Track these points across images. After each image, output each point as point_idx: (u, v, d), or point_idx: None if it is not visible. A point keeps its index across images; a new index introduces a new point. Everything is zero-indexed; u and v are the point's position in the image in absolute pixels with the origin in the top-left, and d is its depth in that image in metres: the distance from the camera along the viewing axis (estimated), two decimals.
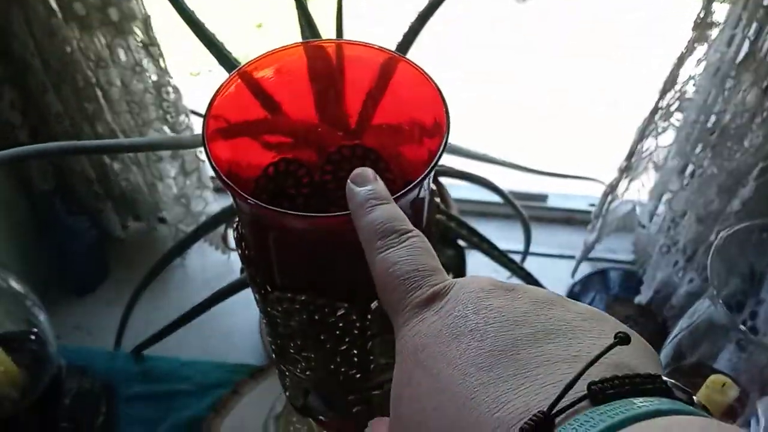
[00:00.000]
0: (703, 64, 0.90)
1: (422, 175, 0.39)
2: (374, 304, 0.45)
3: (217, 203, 1.16)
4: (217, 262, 1.26)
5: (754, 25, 0.83)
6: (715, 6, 0.82)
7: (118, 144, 0.85)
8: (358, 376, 0.52)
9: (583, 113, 1.75)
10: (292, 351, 0.51)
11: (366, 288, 0.46)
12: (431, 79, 0.43)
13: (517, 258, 1.20)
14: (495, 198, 1.08)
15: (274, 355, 0.58)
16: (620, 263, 1.29)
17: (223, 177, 0.39)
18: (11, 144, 0.68)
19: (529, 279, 0.99)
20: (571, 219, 1.35)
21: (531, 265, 1.20)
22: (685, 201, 1.02)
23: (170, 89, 0.94)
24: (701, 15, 0.84)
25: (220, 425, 0.81)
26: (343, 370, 0.51)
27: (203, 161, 1.07)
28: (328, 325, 0.46)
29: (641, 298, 1.17)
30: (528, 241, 1.10)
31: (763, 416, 0.74)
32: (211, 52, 0.76)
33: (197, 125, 1.09)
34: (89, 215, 1.08)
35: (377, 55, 0.47)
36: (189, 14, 0.75)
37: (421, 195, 0.43)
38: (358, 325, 0.46)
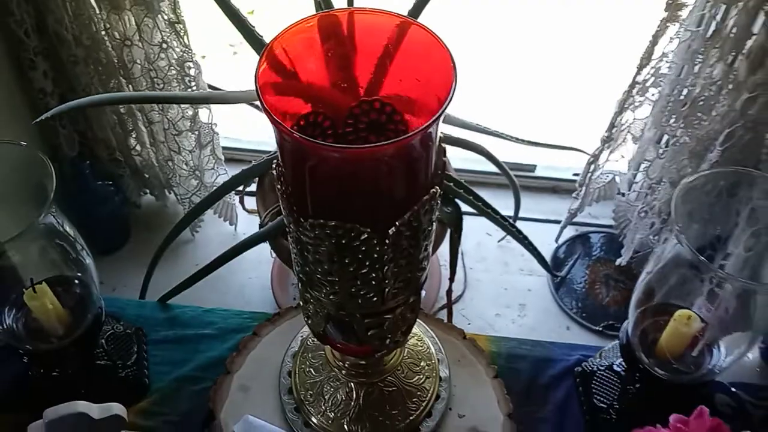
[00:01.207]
0: (676, 41, 0.98)
1: (435, 116, 0.47)
2: (392, 230, 0.54)
3: (226, 176, 1.24)
4: (226, 233, 1.34)
5: (721, 6, 0.91)
6: None
7: (174, 96, 0.91)
8: (374, 299, 0.60)
9: (568, 87, 1.82)
10: (319, 276, 0.59)
11: (386, 216, 0.54)
12: (439, 38, 0.51)
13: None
14: (486, 168, 1.16)
15: (300, 285, 0.66)
16: (601, 228, 1.38)
17: (273, 116, 0.47)
18: (43, 109, 0.75)
19: (520, 236, 1.07)
20: (557, 188, 1.44)
21: (521, 224, 1.29)
22: (660, 168, 1.11)
23: (192, 65, 1.01)
24: None
25: (242, 363, 0.89)
26: (362, 293, 0.59)
27: (217, 133, 1.14)
28: (352, 249, 0.54)
29: (621, 260, 1.25)
30: (518, 204, 1.19)
31: (725, 349, 0.83)
32: (238, 29, 0.83)
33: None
34: (113, 182, 1.16)
35: (390, 21, 0.55)
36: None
37: (433, 136, 0.51)
38: (377, 249, 0.54)
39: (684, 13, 0.94)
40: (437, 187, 0.55)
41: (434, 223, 0.59)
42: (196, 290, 1.07)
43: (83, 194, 1.12)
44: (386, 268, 0.57)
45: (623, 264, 1.26)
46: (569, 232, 1.36)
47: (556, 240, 1.32)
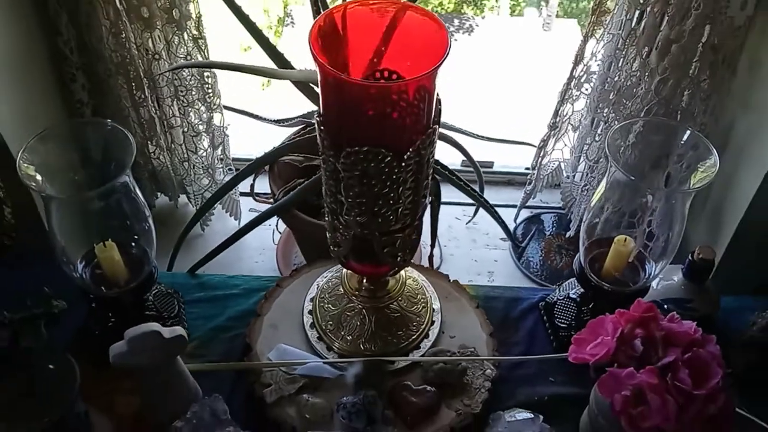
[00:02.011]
0: (602, 43, 1.20)
1: (438, 62, 0.66)
2: (407, 154, 0.72)
3: (234, 173, 1.40)
4: (231, 228, 1.50)
5: (635, 11, 1.13)
6: None
7: (242, 66, 1.06)
8: (391, 218, 0.78)
9: (516, 91, 2.04)
10: (350, 200, 0.76)
11: (402, 144, 0.72)
12: (434, 15, 0.71)
13: (471, 209, 1.50)
14: (451, 162, 1.36)
15: (330, 218, 0.83)
16: (551, 210, 1.58)
17: (319, 58, 0.65)
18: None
19: (486, 204, 1.27)
20: (512, 180, 1.64)
21: (483, 212, 1.49)
22: (597, 149, 1.32)
23: (209, 74, 1.19)
24: (597, 3, 1.14)
25: (269, 308, 1.04)
26: (383, 211, 0.77)
27: (227, 135, 1.32)
28: (378, 170, 0.72)
29: (570, 232, 1.46)
30: (481, 186, 1.37)
31: (662, 275, 1.02)
32: (257, 41, 1.02)
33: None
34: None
35: (393, 6, 0.74)
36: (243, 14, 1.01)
37: (434, 84, 0.70)
38: (396, 170, 0.72)
39: (607, 19, 1.16)
40: (436, 126, 0.74)
41: (433, 157, 0.78)
42: (214, 267, 1.23)
43: None
44: (401, 189, 0.75)
45: (572, 235, 1.46)
46: (524, 214, 1.56)
47: (515, 220, 1.52)
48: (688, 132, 0.86)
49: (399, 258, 0.85)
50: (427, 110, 0.72)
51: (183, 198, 1.45)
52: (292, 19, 3.59)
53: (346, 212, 0.78)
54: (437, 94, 0.73)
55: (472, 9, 4.45)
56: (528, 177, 1.46)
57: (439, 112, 0.75)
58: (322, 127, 0.73)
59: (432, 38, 0.72)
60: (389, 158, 0.71)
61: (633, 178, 0.83)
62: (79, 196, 0.86)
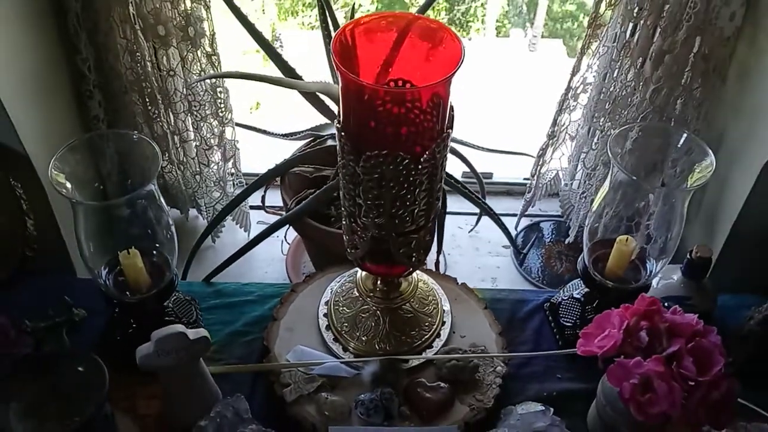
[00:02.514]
0: (598, 54, 1.24)
1: (453, 71, 0.70)
2: (423, 157, 0.76)
3: (243, 186, 1.44)
4: (241, 240, 1.53)
5: (629, 24, 1.18)
6: (602, 10, 1.18)
7: (279, 79, 1.12)
8: (407, 218, 0.82)
9: (515, 103, 2.08)
10: (369, 203, 0.80)
11: (419, 148, 0.76)
12: (446, 26, 0.75)
13: (473, 219, 1.54)
14: (453, 172, 1.39)
15: (347, 221, 0.87)
16: (551, 218, 1.62)
17: (344, 69, 0.69)
18: None
19: (490, 211, 1.31)
20: (510, 191, 1.69)
21: (484, 221, 1.53)
22: (594, 157, 1.36)
23: (222, 89, 1.23)
24: (593, 17, 1.19)
25: (285, 312, 1.07)
26: (400, 213, 0.80)
27: (238, 149, 1.35)
28: (396, 173, 0.75)
29: (570, 238, 1.50)
30: (483, 194, 1.41)
31: (662, 275, 1.06)
32: (272, 60, 1.07)
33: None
34: None
35: (406, 19, 0.78)
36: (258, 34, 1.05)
37: (447, 91, 0.74)
38: (413, 173, 0.76)
39: (602, 32, 1.20)
40: (450, 131, 0.78)
41: (446, 161, 0.82)
42: (227, 276, 1.25)
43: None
44: (416, 191, 0.78)
45: (571, 241, 1.50)
46: (524, 222, 1.60)
47: (516, 227, 1.56)
48: (685, 135, 0.91)
49: (414, 258, 0.88)
50: (441, 116, 0.76)
51: (192, 211, 1.49)
52: (280, 42, 3.66)
53: (365, 214, 0.82)
54: (450, 102, 0.77)
55: (459, 30, 4.53)
56: (527, 185, 1.50)
57: (452, 118, 0.79)
58: (342, 134, 0.77)
59: (445, 47, 0.76)
60: (407, 161, 0.75)
61: (635, 178, 0.87)
62: (108, 203, 0.89)
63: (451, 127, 0.78)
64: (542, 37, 4.11)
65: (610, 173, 0.92)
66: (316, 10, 4.11)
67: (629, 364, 0.80)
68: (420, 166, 0.76)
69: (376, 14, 0.76)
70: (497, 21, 4.58)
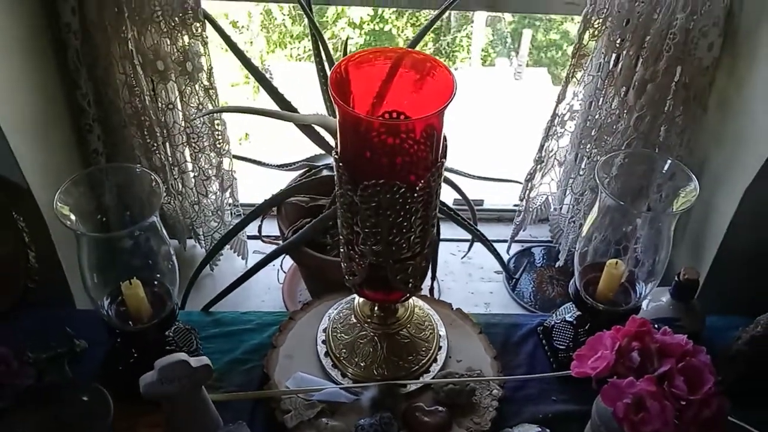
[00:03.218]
0: (583, 83, 1.28)
1: (445, 103, 0.73)
2: (419, 185, 0.78)
3: (241, 216, 1.46)
4: (238, 268, 1.55)
5: (612, 54, 1.22)
6: (586, 41, 1.21)
7: (277, 113, 1.14)
8: (403, 245, 0.84)
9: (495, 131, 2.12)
10: (366, 230, 0.82)
11: (414, 177, 0.79)
12: (437, 60, 0.78)
13: (466, 245, 1.57)
14: (444, 200, 1.42)
15: (345, 249, 0.89)
16: (541, 243, 1.65)
17: (341, 103, 0.72)
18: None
19: (482, 238, 1.33)
20: (501, 217, 1.72)
21: (476, 247, 1.55)
22: (582, 183, 1.39)
23: (219, 122, 1.25)
24: (576, 48, 1.23)
25: (284, 339, 1.08)
26: (397, 240, 0.82)
27: (235, 179, 1.38)
28: (393, 201, 0.77)
29: (559, 262, 1.52)
30: (475, 221, 1.44)
31: (651, 297, 1.09)
32: (267, 93, 1.09)
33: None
34: None
35: (397, 54, 0.81)
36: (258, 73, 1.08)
37: (441, 122, 0.77)
38: (409, 201, 0.78)
39: (586, 61, 1.24)
40: (443, 160, 0.81)
41: (440, 189, 0.85)
42: (224, 305, 1.27)
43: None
44: (413, 218, 0.81)
45: (561, 265, 1.52)
46: (516, 247, 1.63)
47: (507, 251, 1.58)
48: (669, 161, 0.94)
49: (411, 284, 0.90)
50: (435, 146, 0.78)
51: (190, 240, 1.50)
52: (270, 73, 3.71)
53: (362, 242, 0.84)
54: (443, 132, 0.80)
55: (445, 60, 4.60)
56: (517, 210, 1.53)
57: (445, 147, 0.81)
58: (340, 164, 0.79)
59: (436, 79, 0.79)
60: (403, 190, 0.77)
61: (622, 203, 0.90)
62: (112, 235, 0.91)
63: (445, 157, 0.81)
64: (527, 65, 4.18)
65: (599, 199, 0.95)
66: (304, 42, 4.17)
67: (622, 384, 0.82)
68: (416, 195, 0.78)
69: (370, 50, 0.79)
70: (483, 50, 4.66)
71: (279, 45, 4.34)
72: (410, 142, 0.77)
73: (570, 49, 1.26)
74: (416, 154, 0.78)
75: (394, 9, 3.96)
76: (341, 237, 0.88)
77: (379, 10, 3.93)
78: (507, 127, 2.71)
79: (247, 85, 4.04)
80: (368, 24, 4.04)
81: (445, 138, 0.81)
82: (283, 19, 4.29)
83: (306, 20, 1.13)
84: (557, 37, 4.62)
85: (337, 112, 0.76)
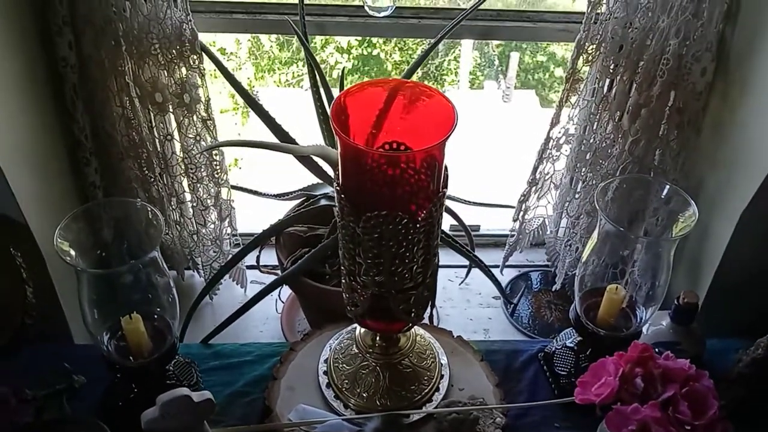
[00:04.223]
0: (578, 107, 1.29)
1: (447, 134, 0.74)
2: (421, 215, 0.79)
3: (240, 245, 1.45)
4: (237, 297, 1.54)
5: (606, 80, 1.24)
6: (580, 66, 1.23)
7: (277, 145, 1.17)
8: (406, 275, 0.84)
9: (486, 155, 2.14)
10: (369, 262, 0.82)
11: (416, 208, 0.80)
12: (437, 90, 0.79)
13: (463, 271, 1.57)
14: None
15: (347, 279, 0.89)
16: (538, 267, 1.66)
17: (344, 136, 0.72)
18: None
19: (481, 264, 1.34)
20: (498, 242, 1.72)
21: (473, 273, 1.56)
22: (577, 206, 1.40)
23: (217, 152, 1.26)
24: (569, 73, 1.24)
25: (285, 371, 1.08)
26: (399, 270, 0.83)
27: (233, 208, 1.38)
28: (395, 232, 0.78)
29: (557, 285, 1.53)
30: (472, 247, 1.44)
31: (651, 322, 1.09)
32: (264, 122, 1.10)
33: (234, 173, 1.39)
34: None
35: (396, 85, 0.82)
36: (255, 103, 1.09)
37: (442, 153, 0.78)
38: (411, 231, 0.79)
39: (580, 86, 1.26)
40: (445, 190, 0.82)
41: (441, 218, 0.85)
42: (223, 338, 1.26)
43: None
44: (415, 248, 0.81)
45: (558, 289, 1.53)
46: (513, 273, 1.63)
47: (501, 272, 1.58)
48: (667, 187, 0.95)
49: (413, 314, 0.91)
50: (436, 176, 0.79)
51: (188, 271, 1.50)
52: (259, 99, 3.73)
53: (364, 273, 0.84)
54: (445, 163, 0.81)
55: (434, 84, 4.64)
56: (511, 231, 1.53)
57: (446, 177, 0.82)
58: (342, 195, 0.80)
59: (436, 109, 0.80)
60: (405, 220, 0.78)
61: (622, 229, 0.91)
62: (112, 270, 0.91)
63: (446, 186, 0.82)
64: (515, 87, 4.22)
65: (598, 225, 0.96)
66: (292, 68, 4.19)
67: (627, 410, 0.83)
68: (418, 225, 0.79)
69: (368, 81, 0.80)
70: (471, 74, 4.70)
71: (268, 71, 4.37)
72: (411, 172, 0.78)
73: (558, 71, 1.27)
74: (416, 184, 0.79)
75: None
76: (343, 268, 0.89)
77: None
78: (498, 149, 2.73)
79: (236, 111, 4.07)
80: (356, 48, 4.08)
81: (446, 168, 0.82)
82: (271, 46, 4.33)
83: (296, 45, 1.14)
84: (544, 59, 4.68)
85: (338, 144, 0.77)
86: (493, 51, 4.74)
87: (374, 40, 4.09)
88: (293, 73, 4.36)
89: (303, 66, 4.10)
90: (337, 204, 0.82)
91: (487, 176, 2.23)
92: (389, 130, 0.84)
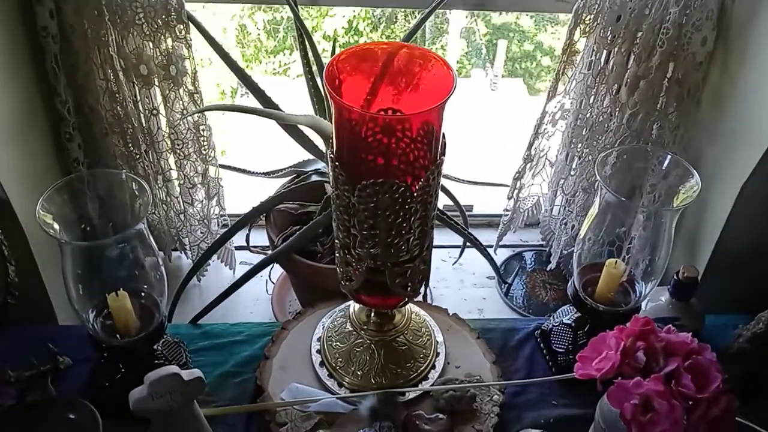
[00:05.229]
0: (574, 81, 1.27)
1: (446, 97, 0.71)
2: (419, 184, 0.77)
3: (228, 225, 1.42)
4: (225, 278, 1.52)
5: (603, 51, 1.22)
6: (576, 38, 1.21)
7: (270, 112, 1.13)
8: (402, 247, 0.82)
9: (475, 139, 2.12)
10: (364, 233, 0.80)
11: (413, 176, 0.77)
12: (436, 54, 0.77)
13: (456, 251, 1.55)
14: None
15: (341, 253, 0.87)
16: (532, 247, 1.64)
17: (334, 95, 0.70)
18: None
19: (476, 242, 1.32)
20: (491, 222, 1.71)
21: (467, 253, 1.54)
22: (573, 183, 1.39)
23: (205, 127, 1.23)
24: (566, 45, 1.22)
25: (277, 350, 1.06)
26: (395, 242, 0.81)
27: (222, 186, 1.35)
28: (392, 201, 0.76)
29: (552, 265, 1.51)
30: (466, 225, 1.42)
31: (649, 297, 1.08)
32: (254, 95, 1.07)
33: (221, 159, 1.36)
34: None
35: (395, 48, 0.79)
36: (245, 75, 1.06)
37: (440, 119, 0.75)
38: (408, 200, 0.77)
39: (577, 59, 1.24)
40: (443, 158, 0.79)
41: (439, 188, 0.83)
42: (213, 317, 1.24)
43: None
44: (412, 219, 0.79)
45: (553, 268, 1.52)
46: (506, 253, 1.62)
47: (495, 251, 1.56)
48: (669, 157, 0.93)
49: (409, 288, 0.88)
50: (434, 143, 0.77)
51: (175, 252, 1.47)
52: (244, 89, 3.71)
53: (360, 245, 0.82)
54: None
55: None
56: (505, 208, 1.51)
57: (444, 145, 0.80)
58: (336, 164, 0.77)
59: (434, 74, 0.77)
60: (402, 189, 0.75)
61: (624, 199, 0.89)
62: (98, 243, 0.88)
63: (444, 154, 0.79)
64: (502, 76, 4.21)
65: (598, 196, 0.94)
66: (279, 57, 4.15)
67: (629, 384, 0.81)
68: (415, 194, 0.77)
69: (363, 44, 0.77)
70: (458, 62, 4.68)
71: (254, 60, 4.32)
72: (407, 141, 0.76)
73: (545, 60, 1.25)
74: (413, 152, 0.77)
75: (369, 21, 3.98)
76: (337, 241, 0.86)
77: (354, 23, 3.94)
78: (486, 136, 2.72)
79: (222, 97, 4.02)
80: (343, 37, 4.05)
81: (444, 135, 0.79)
82: (258, 34, 4.28)
83: (282, 33, 1.12)
84: (531, 48, 4.66)
85: (332, 110, 0.74)
86: (481, 39, 4.72)
87: (360, 27, 4.06)
88: (279, 62, 4.31)
89: (290, 54, 4.06)
90: (331, 173, 0.79)
91: (477, 162, 2.21)
92: (385, 97, 0.81)
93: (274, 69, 4.31)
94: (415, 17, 1.37)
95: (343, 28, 4.09)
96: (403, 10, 3.74)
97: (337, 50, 1.17)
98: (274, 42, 4.29)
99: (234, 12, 3.62)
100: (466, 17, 4.21)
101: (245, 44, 4.36)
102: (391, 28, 4.18)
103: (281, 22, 4.11)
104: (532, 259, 1.63)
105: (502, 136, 2.47)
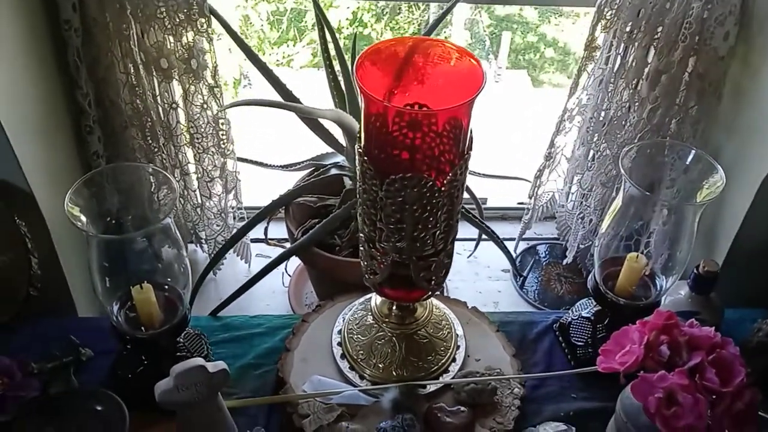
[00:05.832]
0: (592, 78, 1.28)
1: (475, 93, 0.72)
2: (447, 179, 0.77)
3: (245, 219, 1.43)
4: (241, 272, 1.53)
5: (622, 46, 1.22)
6: (597, 33, 1.21)
7: (297, 107, 1.15)
8: (428, 241, 0.82)
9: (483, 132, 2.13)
10: (390, 226, 0.80)
11: (440, 171, 0.78)
12: (465, 50, 0.77)
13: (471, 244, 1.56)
14: None
15: (366, 247, 0.87)
16: (547, 240, 1.65)
17: (365, 89, 0.70)
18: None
19: (493, 235, 1.32)
20: (505, 215, 1.71)
21: (482, 246, 1.54)
22: (590, 178, 1.39)
23: (224, 120, 1.23)
24: (588, 40, 1.22)
25: (298, 342, 1.06)
26: (421, 236, 0.81)
27: (239, 180, 1.36)
28: (420, 195, 0.76)
29: (568, 259, 1.52)
30: (482, 215, 1.42)
31: (668, 291, 1.08)
32: (275, 88, 1.08)
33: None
34: None
35: (425, 43, 0.80)
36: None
37: (468, 114, 0.75)
38: (436, 195, 0.77)
39: (597, 54, 1.24)
40: (470, 153, 0.80)
41: (465, 182, 0.83)
42: (231, 310, 1.25)
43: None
44: (438, 213, 0.80)
45: (569, 262, 1.52)
46: (520, 246, 1.62)
47: (515, 249, 1.58)
48: (693, 152, 0.93)
49: (433, 282, 0.89)
50: (462, 137, 0.77)
51: (190, 245, 1.48)
52: (249, 80, 3.69)
53: (385, 239, 0.82)
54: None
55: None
56: (525, 207, 1.52)
57: (471, 140, 0.80)
58: (365, 158, 0.77)
59: (462, 70, 0.78)
60: (430, 183, 0.76)
61: (648, 193, 0.89)
62: (125, 236, 0.89)
63: (471, 149, 0.80)
64: (506, 68, 4.20)
65: (622, 190, 0.94)
66: (282, 48, 4.15)
67: (653, 378, 0.81)
68: (443, 189, 0.77)
69: (389, 40, 0.78)
70: None
71: (258, 51, 4.32)
72: (432, 135, 0.76)
73: (549, 52, 1.25)
74: (438, 147, 0.77)
75: (373, 13, 3.97)
76: (362, 235, 0.87)
77: (359, 14, 3.94)
78: (491, 127, 2.72)
79: (234, 89, 4.02)
80: (347, 28, 4.05)
81: (471, 130, 0.80)
82: (262, 26, 4.28)
83: (286, 24, 1.12)
84: (535, 39, 4.65)
85: (362, 105, 0.75)
86: (484, 31, 4.70)
87: (365, 19, 4.05)
88: (283, 53, 4.31)
89: (294, 46, 4.05)
90: (358, 168, 0.80)
91: (480, 155, 2.21)
92: (412, 92, 0.81)
93: (278, 60, 4.32)
94: (419, 9, 1.37)
95: (347, 19, 4.09)
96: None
97: (341, 41, 1.18)
98: (278, 33, 4.29)
99: (238, 2, 3.61)
100: (471, 8, 4.18)
101: (248, 35, 4.37)
102: (395, 19, 4.17)
103: (284, 13, 4.10)
104: (546, 253, 1.64)
105: (507, 128, 2.48)
